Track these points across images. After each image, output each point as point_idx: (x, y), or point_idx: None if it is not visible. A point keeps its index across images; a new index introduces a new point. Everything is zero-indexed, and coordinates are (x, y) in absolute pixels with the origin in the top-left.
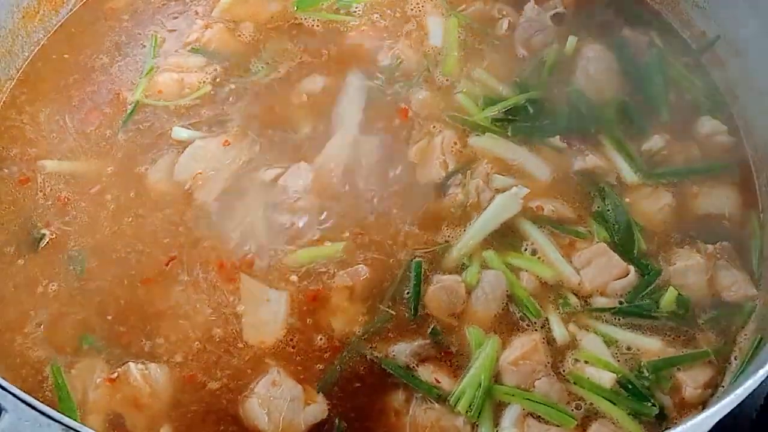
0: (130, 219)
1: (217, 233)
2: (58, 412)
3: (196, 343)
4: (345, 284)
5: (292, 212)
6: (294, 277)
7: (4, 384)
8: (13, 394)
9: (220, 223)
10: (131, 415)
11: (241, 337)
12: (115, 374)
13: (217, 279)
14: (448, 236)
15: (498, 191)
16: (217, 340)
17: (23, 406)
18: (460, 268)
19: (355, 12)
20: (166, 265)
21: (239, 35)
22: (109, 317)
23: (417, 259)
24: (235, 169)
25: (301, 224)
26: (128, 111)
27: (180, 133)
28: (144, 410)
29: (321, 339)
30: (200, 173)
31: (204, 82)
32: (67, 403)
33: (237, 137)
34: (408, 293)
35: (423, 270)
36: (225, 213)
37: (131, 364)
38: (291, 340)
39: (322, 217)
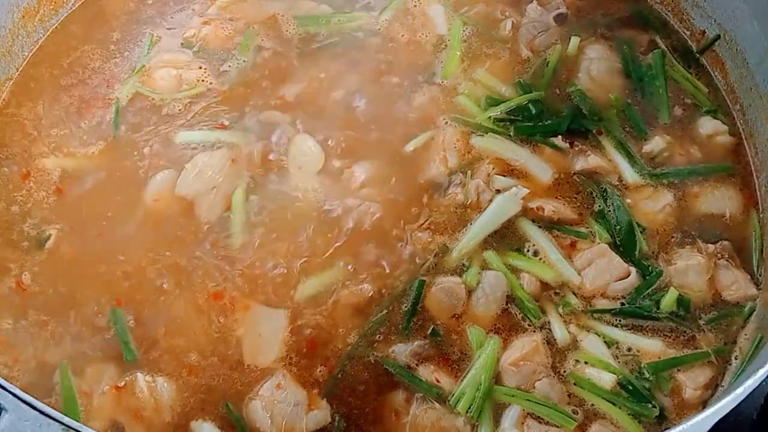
0: (130, 226)
1: (218, 251)
2: (62, 413)
3: (195, 357)
4: (349, 300)
5: (295, 228)
6: (296, 294)
7: (4, 384)
8: (14, 394)
9: (221, 241)
10: (132, 425)
11: (242, 358)
12: (123, 383)
13: (219, 298)
14: (448, 237)
15: (498, 192)
16: (220, 360)
17: (23, 405)
18: (460, 269)
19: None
20: (162, 283)
21: (235, 34)
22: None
23: (421, 278)
24: (238, 185)
25: (305, 240)
26: (121, 108)
27: (182, 138)
28: (146, 423)
29: (324, 350)
30: (202, 189)
31: (201, 80)
32: (72, 404)
33: (241, 150)
34: (406, 307)
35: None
36: (227, 231)
37: (139, 375)
38: (292, 356)
39: (325, 228)
